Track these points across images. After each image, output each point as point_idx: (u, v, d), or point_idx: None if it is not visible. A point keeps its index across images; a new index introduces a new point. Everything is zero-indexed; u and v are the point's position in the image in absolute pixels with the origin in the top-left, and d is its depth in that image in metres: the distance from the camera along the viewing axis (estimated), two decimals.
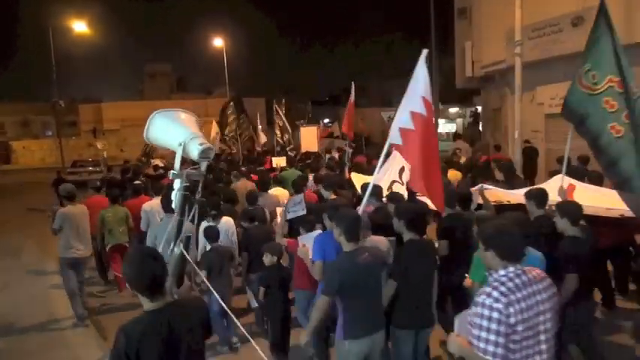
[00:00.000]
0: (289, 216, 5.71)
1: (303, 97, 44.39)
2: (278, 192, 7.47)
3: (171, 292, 2.96)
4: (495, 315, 2.38)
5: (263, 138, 17.73)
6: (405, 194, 5.95)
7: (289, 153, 14.56)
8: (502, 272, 2.54)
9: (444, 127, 39.64)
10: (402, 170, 6.65)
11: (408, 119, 4.20)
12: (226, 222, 5.96)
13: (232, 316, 3.84)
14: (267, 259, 4.93)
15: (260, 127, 18.18)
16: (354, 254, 3.50)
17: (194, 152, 3.26)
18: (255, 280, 5.29)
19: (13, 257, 10.29)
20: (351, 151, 12.28)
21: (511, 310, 2.38)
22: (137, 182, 9.09)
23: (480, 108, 25.16)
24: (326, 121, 39.73)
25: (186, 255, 3.28)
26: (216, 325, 4.98)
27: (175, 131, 3.41)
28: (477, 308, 2.46)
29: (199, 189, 3.41)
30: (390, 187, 6.73)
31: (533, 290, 2.48)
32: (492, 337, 2.38)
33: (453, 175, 8.56)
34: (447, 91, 25.92)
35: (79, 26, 28.08)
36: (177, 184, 3.29)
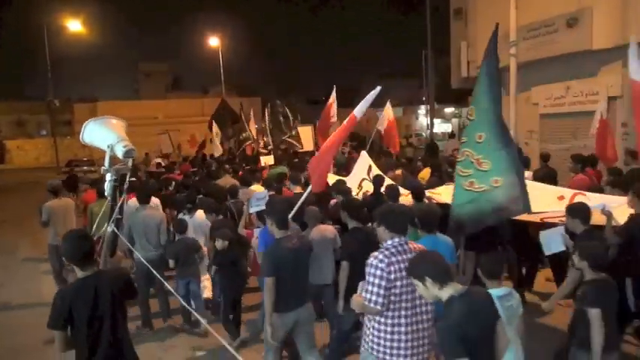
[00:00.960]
0: (251, 210, 6.49)
1: (299, 96, 44.43)
2: (258, 188, 7.91)
3: (105, 261, 3.84)
4: (378, 272, 3.13)
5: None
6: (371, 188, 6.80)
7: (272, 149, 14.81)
8: (389, 242, 3.29)
9: (440, 126, 39.74)
10: (369, 168, 7.60)
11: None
12: (200, 215, 6.53)
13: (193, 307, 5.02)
14: (219, 243, 5.59)
15: (256, 126, 18.15)
16: (284, 241, 4.08)
17: (119, 152, 3.95)
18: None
19: (8, 255, 10.37)
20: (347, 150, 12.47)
21: (391, 268, 3.13)
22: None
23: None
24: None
25: (118, 232, 4.08)
26: (184, 308, 5.68)
27: (105, 135, 4.14)
28: (367, 269, 3.19)
29: (127, 180, 4.13)
30: (360, 185, 7.41)
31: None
32: (375, 289, 3.11)
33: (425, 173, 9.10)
34: (443, 91, 25.97)
35: (74, 25, 28.01)
36: (108, 177, 3.94)
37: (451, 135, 24.16)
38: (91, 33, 33.58)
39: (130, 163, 4.12)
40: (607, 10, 11.23)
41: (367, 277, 3.15)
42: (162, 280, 4.66)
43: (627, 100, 11.28)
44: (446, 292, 2.68)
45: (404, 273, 3.08)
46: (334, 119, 12.37)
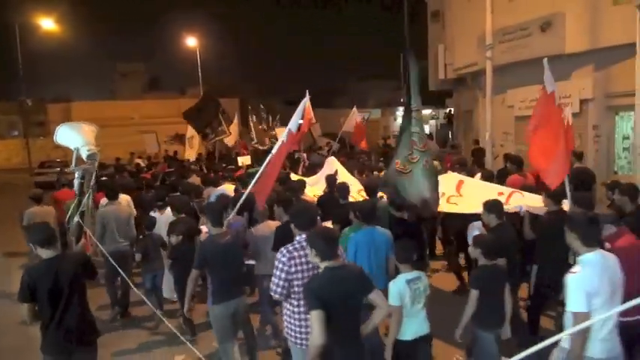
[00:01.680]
0: None
1: (278, 97, 44.27)
2: (227, 187, 8.09)
3: (71, 246, 4.68)
4: (280, 265, 3.56)
5: (234, 138, 17.72)
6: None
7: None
8: (297, 238, 3.69)
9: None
10: (336, 172, 7.93)
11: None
12: (169, 213, 6.76)
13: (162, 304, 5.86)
14: (173, 239, 5.96)
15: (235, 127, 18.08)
16: (217, 237, 4.51)
17: (84, 155, 4.78)
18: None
19: None
20: (303, 155, 12.95)
21: (292, 262, 3.55)
22: (103, 178, 10.19)
23: (452, 110, 25.55)
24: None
25: (82, 223, 4.82)
26: (150, 299, 6.04)
27: (74, 138, 4.87)
28: (275, 263, 3.65)
29: (93, 178, 4.96)
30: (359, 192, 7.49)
31: None
32: (276, 280, 3.57)
33: None
34: (421, 93, 26.21)
35: (47, 23, 27.40)
36: (77, 175, 4.72)
37: (429, 136, 24.53)
38: (65, 32, 32.93)
39: (95, 164, 4.92)
40: (579, 15, 11.52)
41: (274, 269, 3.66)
42: (122, 273, 5.40)
43: (598, 103, 11.59)
44: (323, 265, 3.24)
45: (306, 266, 3.57)
46: (313, 120, 12.45)
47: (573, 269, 3.23)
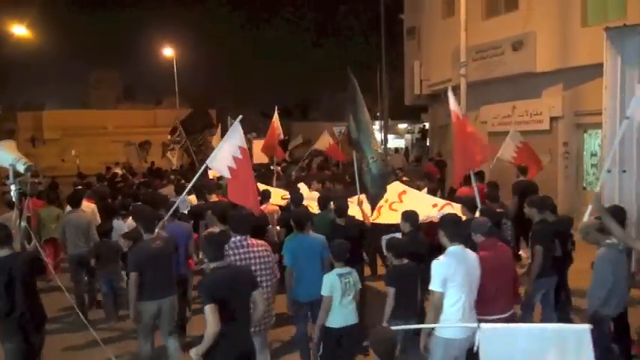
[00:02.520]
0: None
1: (255, 108, 44.19)
2: (192, 197, 8.50)
3: (24, 247, 5.34)
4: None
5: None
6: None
7: None
8: (232, 239, 4.45)
9: (393, 142, 40.46)
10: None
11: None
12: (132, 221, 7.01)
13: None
14: (125, 243, 6.28)
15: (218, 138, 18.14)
16: (149, 242, 4.96)
17: (21, 169, 5.33)
18: None
19: None
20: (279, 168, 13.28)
21: (230, 259, 4.22)
22: (79, 187, 10.66)
23: (427, 125, 25.93)
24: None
25: (29, 228, 5.64)
26: (106, 301, 6.80)
27: (4, 156, 5.36)
28: None
29: (29, 188, 5.86)
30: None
31: (250, 250, 4.46)
32: None
33: None
34: (396, 107, 26.54)
35: (19, 30, 26.83)
36: (12, 187, 5.33)
37: (395, 150, 24.94)
38: (37, 38, 32.29)
39: (28, 175, 5.95)
40: (549, 35, 11.89)
41: None
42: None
43: (568, 121, 11.93)
44: (212, 265, 3.84)
45: (239, 259, 4.37)
46: (281, 136, 13.05)
47: (439, 257, 3.94)
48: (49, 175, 23.00)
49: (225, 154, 5.64)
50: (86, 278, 7.23)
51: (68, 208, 7.66)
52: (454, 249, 3.95)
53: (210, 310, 3.52)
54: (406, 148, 30.42)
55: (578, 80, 11.26)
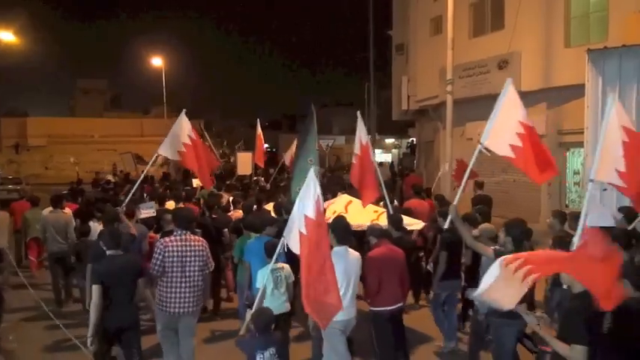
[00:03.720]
0: (140, 216, 7.42)
1: (242, 120, 44.19)
2: (170, 205, 8.94)
3: None
4: (158, 251, 4.78)
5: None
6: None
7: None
8: (175, 233, 4.97)
9: (380, 156, 40.77)
10: None
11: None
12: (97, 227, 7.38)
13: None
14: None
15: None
16: (112, 257, 4.74)
17: None
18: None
19: None
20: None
21: (167, 248, 4.77)
22: (63, 192, 10.76)
23: (414, 140, 26.17)
24: (265, 146, 39.66)
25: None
26: (83, 295, 6.94)
27: None
28: (154, 249, 4.89)
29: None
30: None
31: (185, 244, 4.86)
32: (154, 261, 4.77)
33: None
34: (384, 122, 26.79)
35: (6, 36, 26.60)
36: None
37: (379, 164, 25.09)
38: (24, 45, 32.02)
39: None
40: (534, 55, 12.16)
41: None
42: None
43: (551, 139, 12.15)
44: (108, 252, 4.68)
45: (176, 253, 4.81)
46: (264, 147, 13.62)
47: None
48: (33, 182, 22.76)
49: (174, 142, 6.87)
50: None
51: (49, 208, 8.16)
52: (337, 249, 4.61)
53: (95, 289, 4.45)
54: (392, 162, 30.60)
55: (561, 100, 11.50)
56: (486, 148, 5.00)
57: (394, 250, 5.13)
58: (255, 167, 16.59)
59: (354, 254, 4.78)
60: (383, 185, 7.05)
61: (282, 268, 5.17)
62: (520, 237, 4.60)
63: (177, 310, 4.80)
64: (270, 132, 50.07)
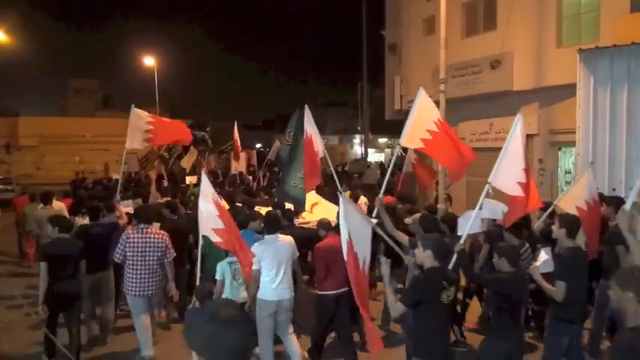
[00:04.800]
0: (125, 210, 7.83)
1: (233, 120, 44.01)
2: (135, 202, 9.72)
3: None
4: (122, 241, 5.67)
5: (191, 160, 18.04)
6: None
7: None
8: (139, 226, 5.74)
9: (373, 156, 40.88)
10: None
11: None
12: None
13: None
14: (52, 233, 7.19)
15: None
16: (58, 239, 5.71)
17: None
18: None
19: None
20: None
21: (128, 240, 5.65)
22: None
23: None
24: (258, 145, 39.61)
25: None
26: None
27: None
28: (120, 240, 5.76)
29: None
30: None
31: (145, 237, 5.68)
32: (118, 250, 5.67)
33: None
34: (377, 122, 26.81)
35: None
36: None
37: (368, 166, 25.09)
38: (15, 44, 31.72)
39: None
40: (526, 55, 12.21)
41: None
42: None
43: (543, 138, 12.21)
44: (56, 235, 5.66)
45: (137, 243, 5.63)
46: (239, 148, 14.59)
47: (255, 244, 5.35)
48: (24, 183, 22.57)
49: (136, 135, 7.66)
50: None
51: (41, 205, 9.05)
52: (267, 237, 5.36)
53: (42, 265, 5.44)
54: (381, 162, 30.59)
55: (553, 99, 11.56)
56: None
57: (337, 240, 5.30)
58: (248, 166, 16.71)
59: (285, 240, 5.42)
60: (335, 175, 7.04)
61: (235, 261, 5.56)
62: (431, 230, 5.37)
63: (138, 293, 5.65)
64: (264, 132, 50.07)
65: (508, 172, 5.04)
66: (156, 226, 6.23)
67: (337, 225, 5.67)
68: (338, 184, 6.87)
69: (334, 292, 5.45)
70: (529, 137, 12.38)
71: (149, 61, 33.59)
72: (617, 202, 5.96)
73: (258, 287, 5.26)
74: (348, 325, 5.64)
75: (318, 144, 6.88)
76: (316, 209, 7.69)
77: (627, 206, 3.66)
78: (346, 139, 44.53)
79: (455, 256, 4.59)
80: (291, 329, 5.48)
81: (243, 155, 15.61)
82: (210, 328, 1.68)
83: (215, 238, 5.06)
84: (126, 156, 8.13)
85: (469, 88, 13.50)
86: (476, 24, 14.18)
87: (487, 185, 5.00)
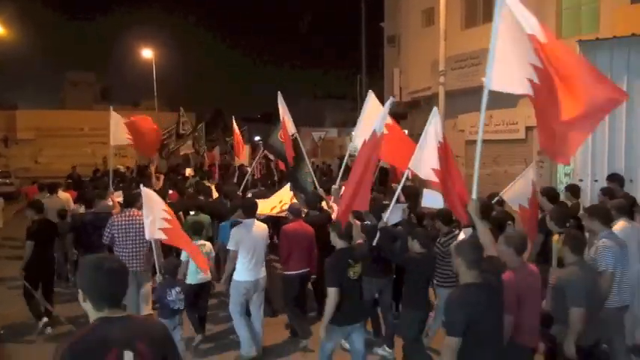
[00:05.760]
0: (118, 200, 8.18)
1: (234, 114, 43.88)
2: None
3: None
4: (109, 225, 6.06)
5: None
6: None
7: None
8: (124, 211, 6.20)
9: None
10: None
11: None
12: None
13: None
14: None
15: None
16: (40, 221, 6.77)
17: None
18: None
19: None
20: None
21: (114, 223, 6.04)
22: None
23: (407, 131, 26.20)
24: (257, 138, 39.51)
25: None
26: (61, 269, 8.53)
27: None
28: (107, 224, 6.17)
29: None
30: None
31: (130, 218, 6.03)
32: (105, 233, 6.06)
33: None
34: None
35: None
36: None
37: None
38: (13, 37, 31.57)
39: None
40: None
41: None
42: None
43: None
44: (35, 217, 6.69)
45: (123, 226, 5.98)
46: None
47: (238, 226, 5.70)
48: (22, 176, 22.59)
49: (118, 131, 9.24)
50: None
51: (48, 194, 9.65)
52: (246, 222, 5.68)
53: (28, 244, 6.40)
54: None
55: None
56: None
57: (304, 225, 6.08)
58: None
59: (260, 226, 5.80)
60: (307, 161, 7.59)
61: (204, 244, 6.23)
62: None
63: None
64: (262, 124, 49.92)
65: (424, 159, 5.43)
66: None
67: (306, 214, 6.64)
68: (316, 183, 7.30)
69: (297, 272, 5.96)
70: (528, 129, 12.40)
71: (147, 53, 33.43)
72: (551, 193, 6.56)
73: (234, 267, 5.61)
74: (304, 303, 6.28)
75: (290, 126, 7.50)
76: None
77: (474, 196, 4.04)
78: (345, 132, 44.45)
79: (378, 234, 5.23)
80: (261, 309, 5.82)
81: (247, 148, 15.53)
82: (92, 274, 2.29)
83: (162, 236, 5.57)
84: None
85: (468, 80, 13.46)
86: (475, 15, 14.12)
87: (407, 171, 5.48)
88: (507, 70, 4.15)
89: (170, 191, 9.98)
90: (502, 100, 13.15)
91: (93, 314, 2.27)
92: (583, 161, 7.65)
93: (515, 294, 3.64)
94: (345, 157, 8.18)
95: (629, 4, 9.93)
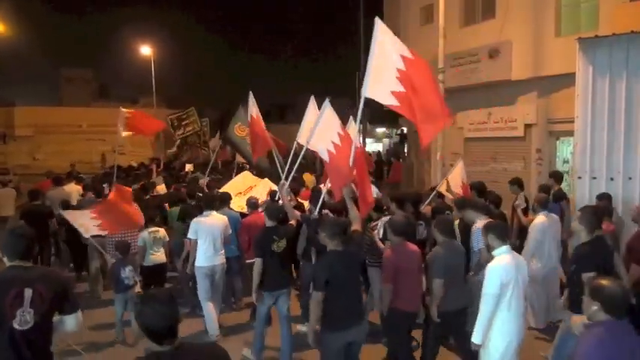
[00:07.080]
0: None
1: (233, 110, 43.77)
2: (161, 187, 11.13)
3: None
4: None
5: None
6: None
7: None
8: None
9: (371, 146, 40.80)
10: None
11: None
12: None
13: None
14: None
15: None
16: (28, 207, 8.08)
17: None
18: None
19: None
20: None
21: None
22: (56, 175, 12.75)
23: (405, 129, 26.15)
24: None
25: None
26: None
27: None
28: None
29: None
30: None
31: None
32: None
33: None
34: (375, 111, 26.71)
35: None
36: None
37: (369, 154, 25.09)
38: (10, 33, 31.43)
39: None
40: (524, 44, 12.15)
41: None
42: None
43: (541, 128, 12.19)
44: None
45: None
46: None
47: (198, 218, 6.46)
48: (21, 173, 22.54)
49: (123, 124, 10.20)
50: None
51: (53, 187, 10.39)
52: (206, 213, 6.43)
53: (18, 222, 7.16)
54: (379, 152, 30.51)
55: (552, 89, 11.53)
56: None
57: (260, 217, 6.46)
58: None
59: (219, 217, 6.55)
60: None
61: (158, 231, 6.92)
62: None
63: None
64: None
65: (380, 82, 5.31)
66: None
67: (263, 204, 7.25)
68: (282, 173, 7.49)
69: (252, 260, 6.38)
70: (527, 127, 12.39)
71: (146, 50, 33.29)
72: (480, 187, 7.70)
73: (195, 255, 6.33)
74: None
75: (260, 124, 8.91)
76: (254, 191, 8.62)
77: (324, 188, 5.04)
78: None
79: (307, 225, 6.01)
80: (219, 294, 6.54)
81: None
82: (7, 237, 3.20)
83: (99, 231, 6.66)
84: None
85: (467, 78, 13.45)
86: (474, 13, 14.09)
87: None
88: (378, 84, 5.30)
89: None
90: (501, 98, 13.20)
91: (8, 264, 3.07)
92: (582, 159, 7.66)
93: (394, 267, 4.63)
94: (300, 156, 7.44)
95: (628, 1, 9.91)
